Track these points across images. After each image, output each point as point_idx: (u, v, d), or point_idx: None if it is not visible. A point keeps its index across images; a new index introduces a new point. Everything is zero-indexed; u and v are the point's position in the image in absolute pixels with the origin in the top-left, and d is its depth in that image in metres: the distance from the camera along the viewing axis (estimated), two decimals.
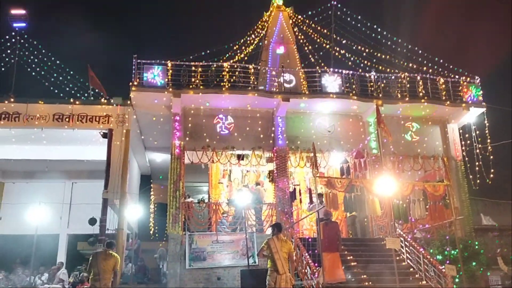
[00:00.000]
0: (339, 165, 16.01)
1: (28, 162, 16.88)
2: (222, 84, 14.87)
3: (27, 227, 13.54)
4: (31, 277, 14.04)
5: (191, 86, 14.66)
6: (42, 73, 17.14)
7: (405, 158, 15.61)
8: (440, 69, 17.19)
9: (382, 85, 15.99)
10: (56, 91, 16.72)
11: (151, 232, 20.04)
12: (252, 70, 15.43)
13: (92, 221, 15.09)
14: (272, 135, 15.29)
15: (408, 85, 16.14)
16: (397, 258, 11.41)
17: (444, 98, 16.20)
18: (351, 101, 15.46)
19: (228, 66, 15.21)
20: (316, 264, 10.58)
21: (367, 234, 15.07)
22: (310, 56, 18.57)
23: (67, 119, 14.40)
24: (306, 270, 10.95)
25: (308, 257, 11.10)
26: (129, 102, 14.73)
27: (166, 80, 14.62)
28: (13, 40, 17.02)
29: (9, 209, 17.91)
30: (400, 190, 11.87)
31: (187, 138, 14.82)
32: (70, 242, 18.27)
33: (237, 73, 15.14)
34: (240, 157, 15.19)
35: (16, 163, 17.22)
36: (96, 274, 8.42)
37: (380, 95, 15.77)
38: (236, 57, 17.40)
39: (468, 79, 16.69)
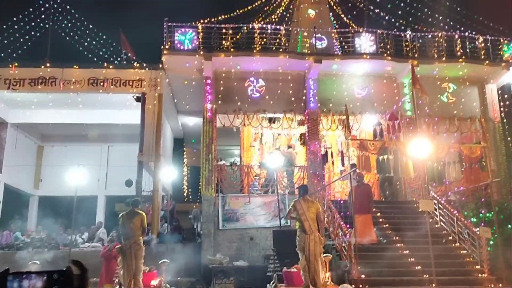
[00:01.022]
0: (372, 127, 15.79)
1: (65, 126, 17.36)
2: (253, 46, 14.72)
3: (66, 188, 14.08)
4: (72, 236, 14.71)
5: (222, 49, 14.59)
6: (76, 37, 17.37)
7: (440, 120, 15.24)
8: (479, 27, 16.47)
9: (418, 44, 15.49)
10: (90, 55, 16.97)
11: (185, 194, 20.51)
12: (283, 32, 15.17)
13: (128, 183, 15.56)
14: (304, 97, 15.15)
15: (445, 44, 15.58)
16: (430, 220, 11.33)
17: (482, 57, 15.58)
18: (385, 62, 15.07)
19: (259, 28, 15.00)
20: (348, 226, 10.65)
21: (399, 197, 14.98)
22: (343, 16, 18.08)
23: (101, 84, 14.64)
24: (338, 232, 11.04)
25: (339, 218, 11.17)
26: (161, 66, 14.82)
27: (197, 43, 14.58)
28: (47, 5, 17.22)
29: (49, 172, 18.65)
30: (435, 152, 11.67)
31: (219, 102, 14.86)
32: (108, 203, 18.95)
33: (268, 35, 14.93)
34: (271, 120, 15.18)
35: (54, 127, 17.75)
36: (125, 234, 8.62)
37: (416, 55, 15.29)
38: (267, 18, 17.11)
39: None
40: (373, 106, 15.29)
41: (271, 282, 9.21)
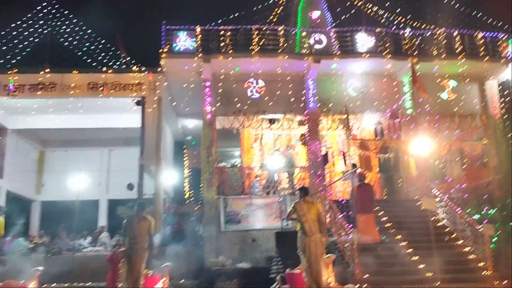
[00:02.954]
0: (372, 126, 15.76)
1: (66, 131, 17.36)
2: (251, 48, 14.71)
3: (68, 193, 14.14)
4: (75, 240, 14.72)
5: (220, 51, 14.58)
6: (75, 42, 17.38)
7: (441, 117, 15.20)
8: (478, 24, 16.44)
9: (417, 42, 15.46)
10: (89, 60, 16.98)
11: (187, 196, 20.48)
12: (282, 32, 15.16)
13: (130, 187, 15.56)
14: (303, 98, 15.13)
15: (444, 42, 15.55)
16: (433, 218, 11.31)
17: (482, 54, 15.55)
18: (384, 60, 15.06)
19: (257, 29, 14.99)
20: (350, 226, 10.62)
21: (402, 195, 14.94)
22: (341, 15, 18.06)
23: (101, 88, 14.63)
24: (340, 232, 11.02)
25: (342, 218, 11.14)
26: (159, 69, 14.82)
27: (195, 45, 14.58)
28: (45, 10, 17.23)
29: (51, 177, 18.65)
30: (436, 150, 11.66)
31: (218, 104, 14.85)
32: (110, 207, 18.93)
33: (266, 35, 14.92)
34: (271, 121, 15.15)
35: (55, 132, 17.75)
36: (133, 238, 8.56)
37: (415, 53, 15.26)
38: (266, 19, 17.10)
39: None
40: (373, 105, 15.26)
41: (275, 284, 9.20)
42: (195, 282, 12.35)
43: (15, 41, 16.28)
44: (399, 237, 11.22)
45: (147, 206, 10.34)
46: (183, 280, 11.66)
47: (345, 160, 15.46)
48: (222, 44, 14.70)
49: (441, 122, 15.15)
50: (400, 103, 15.37)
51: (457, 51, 15.47)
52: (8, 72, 14.59)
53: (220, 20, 15.24)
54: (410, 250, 10.67)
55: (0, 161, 16.68)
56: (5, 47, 16.03)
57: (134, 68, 15.20)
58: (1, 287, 9.23)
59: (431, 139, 11.71)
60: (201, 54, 14.45)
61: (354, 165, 12.89)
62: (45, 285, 10.68)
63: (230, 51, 14.63)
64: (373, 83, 15.55)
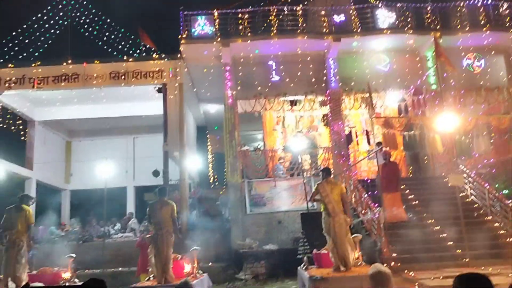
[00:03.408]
0: (396, 104, 15.53)
1: (91, 121, 17.69)
2: (270, 29, 14.59)
3: (96, 181, 14.41)
4: (105, 227, 15.08)
5: (239, 35, 14.51)
6: (95, 32, 17.54)
7: (466, 91, 14.85)
8: None
9: (440, 15, 15.05)
10: (109, 49, 17.11)
11: (211, 180, 20.68)
12: (300, 12, 14.96)
13: (155, 173, 15.81)
14: (325, 78, 14.98)
15: (468, 14, 15.10)
16: (461, 194, 11.15)
17: (507, 24, 15.04)
18: (406, 36, 14.74)
19: (275, 10, 14.83)
20: (376, 205, 10.57)
21: (428, 173, 14.75)
22: None
23: (122, 77, 14.80)
24: (366, 211, 10.98)
25: (367, 198, 11.09)
26: (179, 55, 14.86)
27: (214, 30, 14.55)
28: (64, 1, 17.38)
29: (78, 166, 19.09)
30: (463, 125, 11.43)
31: (239, 88, 14.84)
32: (137, 194, 19.30)
33: (285, 16, 14.75)
34: (293, 103, 15.07)
35: (80, 122, 18.10)
36: (157, 223, 8.69)
37: (438, 27, 14.88)
38: None
39: None
40: (397, 82, 15.01)
41: (302, 265, 9.25)
42: (223, 265, 12.55)
43: (37, 34, 16.51)
44: (426, 214, 11.12)
45: (169, 191, 10.45)
46: (211, 263, 11.86)
47: (369, 139, 15.32)
48: (240, 27, 14.63)
49: (467, 97, 14.81)
50: (424, 78, 15.07)
51: (482, 23, 15.02)
52: (32, 65, 14.86)
53: (238, 3, 15.10)
54: (438, 227, 10.58)
55: (30, 153, 17.15)
56: (27, 40, 16.28)
57: (154, 55, 15.28)
58: (36, 275, 9.54)
59: (456, 114, 11.45)
60: (219, 39, 14.42)
61: (379, 144, 12.76)
62: (79, 271, 11.00)
63: (248, 34, 14.55)
64: (395, 59, 15.27)
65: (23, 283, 8.71)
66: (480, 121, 12.89)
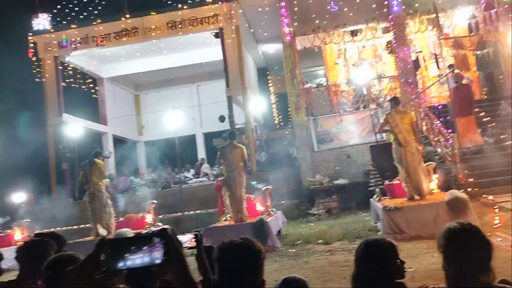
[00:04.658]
0: (466, 21, 14.41)
1: (154, 73, 18.14)
2: None
3: (167, 131, 15.04)
4: (180, 174, 15.84)
5: None
6: None
7: None
8: None
9: None
10: None
11: (276, 121, 20.78)
12: None
13: (221, 118, 16.13)
14: (386, 2, 14.13)
15: None
16: None
17: None
18: None
19: None
20: (449, 131, 10.17)
21: (504, 92, 13.82)
22: None
23: (179, 25, 14.87)
24: (439, 138, 10.62)
25: (439, 124, 10.68)
26: None
27: None
28: None
29: (149, 118, 19.87)
30: None
31: (296, 23, 14.42)
32: (206, 140, 19.90)
33: None
34: (353, 33, 14.47)
35: (145, 75, 18.63)
36: (228, 166, 8.97)
37: None
38: None
39: None
40: None
41: (375, 196, 9.24)
42: (296, 202, 12.84)
43: None
44: (503, 136, 10.55)
45: (238, 134, 10.66)
46: (284, 201, 12.16)
47: (438, 63, 14.50)
48: None
49: None
50: None
51: None
52: (93, 24, 15.30)
53: None
54: None
55: (103, 109, 18.05)
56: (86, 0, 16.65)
57: (208, 0, 15.12)
58: (123, 221, 10.34)
59: None
60: None
61: (450, 66, 12.06)
62: (161, 216, 11.76)
63: None
64: None
65: (112, 229, 9.50)
66: None
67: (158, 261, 1.15)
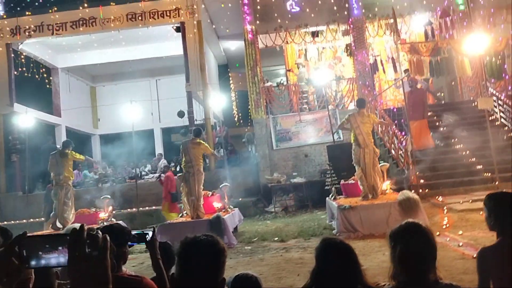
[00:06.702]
0: (422, 28, 14.90)
1: (112, 65, 17.70)
2: None
3: (124, 125, 14.69)
4: (136, 169, 15.51)
5: None
6: None
7: (496, 10, 14.07)
8: None
9: None
10: None
11: (236, 118, 20.76)
12: None
13: (180, 114, 15.93)
14: (347, 5, 14.40)
15: None
16: (490, 118, 10.91)
17: None
18: None
19: None
20: (403, 133, 10.49)
21: (456, 97, 14.41)
22: None
23: (140, 18, 14.56)
24: (393, 140, 10.92)
25: (394, 127, 10.99)
26: None
27: None
28: None
29: (105, 111, 19.36)
30: (493, 46, 10.96)
31: (258, 22, 14.46)
32: (164, 135, 19.62)
33: None
34: (314, 34, 14.67)
35: (102, 67, 18.15)
36: (188, 161, 8.95)
37: None
38: None
39: None
40: (423, 4, 14.31)
41: (330, 195, 9.41)
42: (253, 199, 12.88)
43: None
44: (454, 140, 10.99)
45: (203, 132, 10.62)
46: (241, 198, 12.18)
47: (395, 67, 14.93)
48: None
49: (497, 16, 14.03)
50: None
51: None
52: (49, 11, 14.74)
53: None
54: (466, 152, 10.48)
55: (56, 100, 17.44)
56: None
57: None
58: (75, 216, 10.05)
59: (486, 35, 10.96)
60: None
61: (406, 71, 12.43)
62: (115, 211, 11.49)
63: None
64: None
65: (68, 223, 9.22)
66: (510, 41, 12.30)
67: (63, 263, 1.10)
